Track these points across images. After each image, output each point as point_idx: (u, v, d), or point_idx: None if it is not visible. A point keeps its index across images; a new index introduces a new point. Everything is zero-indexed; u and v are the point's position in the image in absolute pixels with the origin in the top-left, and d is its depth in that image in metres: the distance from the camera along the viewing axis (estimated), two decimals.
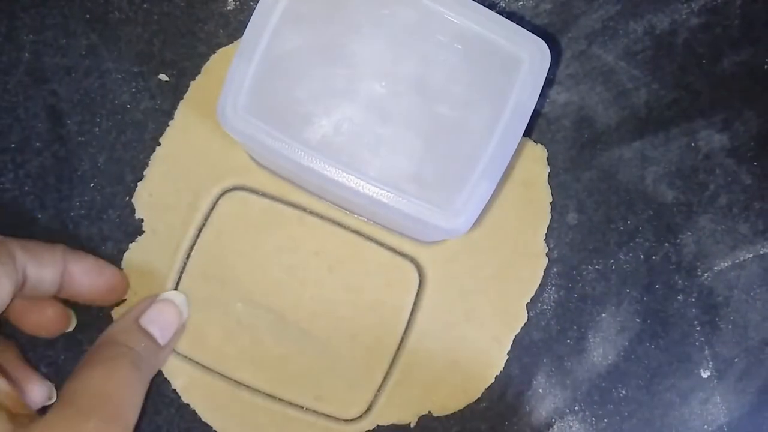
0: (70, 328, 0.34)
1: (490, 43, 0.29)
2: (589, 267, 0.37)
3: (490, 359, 0.36)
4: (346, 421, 0.36)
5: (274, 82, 0.29)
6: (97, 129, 0.35)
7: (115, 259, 0.35)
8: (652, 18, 0.37)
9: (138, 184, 0.35)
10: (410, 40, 0.29)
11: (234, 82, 0.28)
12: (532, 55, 0.29)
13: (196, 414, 0.35)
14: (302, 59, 0.29)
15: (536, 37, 0.29)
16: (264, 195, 0.36)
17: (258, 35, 0.28)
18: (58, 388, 0.33)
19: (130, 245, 0.35)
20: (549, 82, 0.36)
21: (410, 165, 0.29)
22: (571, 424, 0.36)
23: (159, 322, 0.32)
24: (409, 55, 0.29)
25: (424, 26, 0.29)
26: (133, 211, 0.35)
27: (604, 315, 0.37)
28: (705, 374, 0.37)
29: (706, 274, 0.37)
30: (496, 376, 0.36)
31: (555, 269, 0.37)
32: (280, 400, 0.36)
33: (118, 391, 0.28)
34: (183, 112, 0.36)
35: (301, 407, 0.36)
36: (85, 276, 0.32)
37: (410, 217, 0.29)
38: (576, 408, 0.37)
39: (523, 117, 0.29)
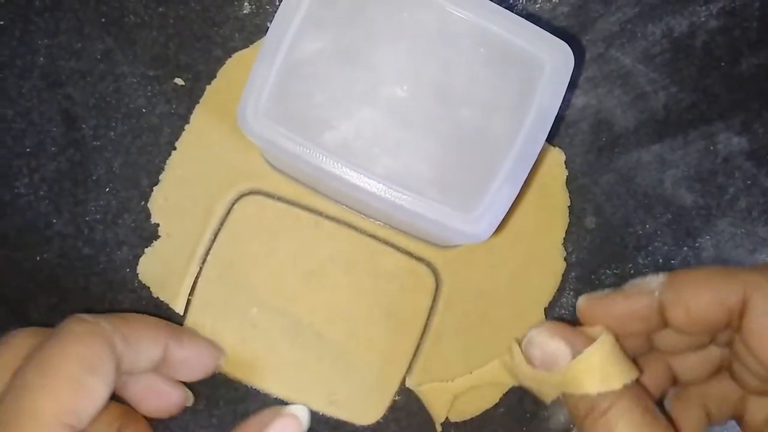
0: (189, 403, 0.34)
1: (513, 46, 0.29)
2: (608, 271, 0.37)
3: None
4: (362, 426, 0.36)
5: (295, 85, 0.28)
6: (112, 133, 0.35)
7: (130, 264, 0.35)
8: (670, 20, 0.37)
9: (153, 188, 0.35)
10: (431, 43, 0.29)
11: (255, 86, 0.28)
12: (554, 59, 0.29)
13: None
14: (323, 63, 0.28)
15: (559, 40, 0.29)
16: (280, 199, 0.36)
17: (279, 39, 0.28)
18: None
19: (146, 250, 0.35)
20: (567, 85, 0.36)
21: (431, 169, 0.29)
22: None
23: None
24: (430, 58, 0.29)
25: (445, 30, 0.29)
26: (148, 215, 0.35)
27: None
28: None
29: None
30: None
31: (573, 273, 0.36)
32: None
33: None
34: (199, 116, 0.35)
35: (317, 412, 0.35)
36: (185, 363, 0.32)
37: (431, 221, 0.29)
38: None
39: (546, 121, 0.29)
